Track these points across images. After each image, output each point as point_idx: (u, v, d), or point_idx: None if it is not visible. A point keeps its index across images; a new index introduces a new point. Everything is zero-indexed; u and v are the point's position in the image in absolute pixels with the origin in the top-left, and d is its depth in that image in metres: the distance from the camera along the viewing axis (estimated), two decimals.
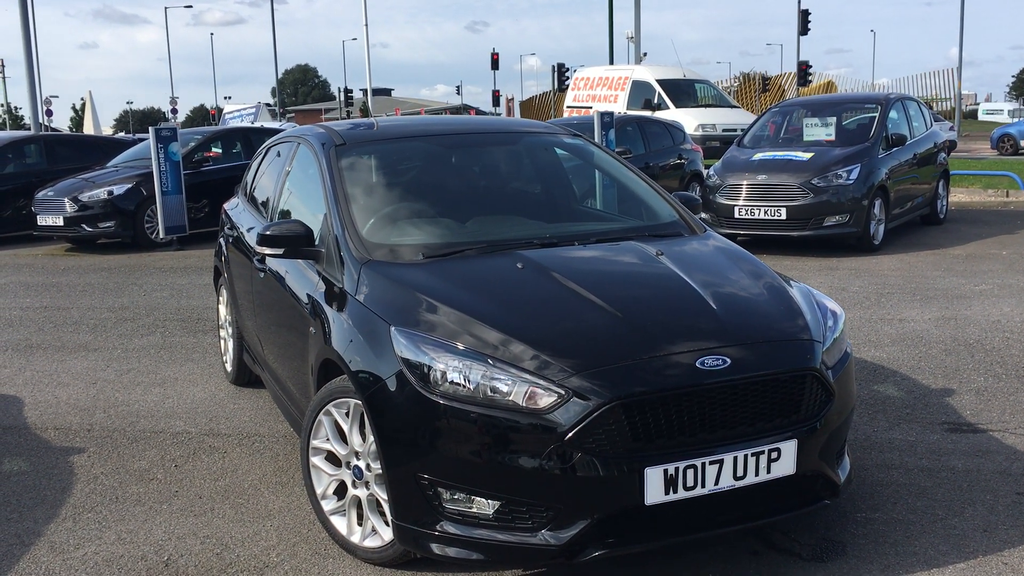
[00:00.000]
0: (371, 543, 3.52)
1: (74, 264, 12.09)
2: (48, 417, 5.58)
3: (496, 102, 62.99)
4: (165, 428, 5.30)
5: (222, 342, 6.30)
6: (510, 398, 3.08)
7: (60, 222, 12.91)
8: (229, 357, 6.05)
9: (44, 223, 13.12)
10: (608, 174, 4.91)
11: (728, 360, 3.19)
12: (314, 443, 3.72)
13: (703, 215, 11.40)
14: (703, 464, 3.10)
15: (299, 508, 4.10)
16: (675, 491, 3.08)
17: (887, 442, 4.71)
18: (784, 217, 10.51)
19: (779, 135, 12.14)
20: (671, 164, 13.16)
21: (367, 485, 3.51)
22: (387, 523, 3.40)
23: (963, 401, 5.31)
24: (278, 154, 5.32)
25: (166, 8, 72.96)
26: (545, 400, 3.06)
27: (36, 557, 3.75)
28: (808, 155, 10.88)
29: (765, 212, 10.62)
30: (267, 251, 4.09)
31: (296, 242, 4.07)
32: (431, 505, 3.20)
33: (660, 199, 4.64)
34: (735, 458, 3.14)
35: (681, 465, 3.07)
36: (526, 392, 3.07)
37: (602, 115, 11.52)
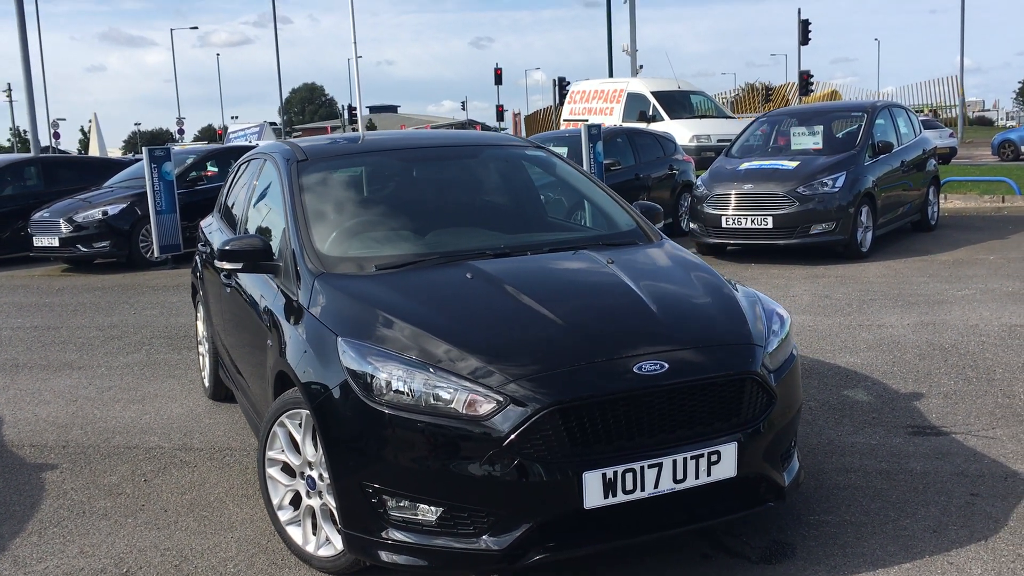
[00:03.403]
0: (325, 552, 3.57)
1: (69, 284, 12.20)
2: (26, 435, 5.64)
3: (500, 117, 63.17)
4: (139, 444, 5.36)
5: (200, 358, 6.36)
6: (451, 406, 3.13)
7: (56, 243, 13.03)
8: (206, 373, 6.12)
9: (40, 244, 13.24)
10: (571, 185, 4.98)
11: (666, 365, 3.23)
12: (270, 454, 3.77)
13: (692, 225, 11.47)
14: (642, 468, 3.14)
15: (261, 520, 4.15)
16: (614, 495, 3.12)
17: (849, 446, 4.73)
18: (770, 226, 10.55)
19: (768, 144, 12.19)
20: (662, 175, 13.20)
21: (320, 495, 3.55)
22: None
23: (930, 404, 5.34)
24: (248, 170, 5.40)
25: (172, 30, 73.64)
26: (484, 407, 3.11)
27: None
28: (794, 164, 10.92)
29: (752, 221, 10.66)
30: (227, 265, 4.16)
31: (255, 256, 4.14)
32: (377, 513, 3.25)
33: (619, 209, 4.69)
34: (674, 461, 3.18)
35: (620, 469, 3.12)
36: (466, 400, 3.12)
37: (589, 127, 11.60)
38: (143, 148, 12.98)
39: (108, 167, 16.15)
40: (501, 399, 3.10)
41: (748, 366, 3.38)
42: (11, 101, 64.82)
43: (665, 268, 4.06)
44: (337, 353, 3.37)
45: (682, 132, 18.87)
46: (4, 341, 8.59)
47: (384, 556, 3.25)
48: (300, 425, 3.60)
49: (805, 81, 43.57)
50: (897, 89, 61.70)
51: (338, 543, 3.48)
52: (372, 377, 3.23)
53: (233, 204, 5.56)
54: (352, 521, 3.30)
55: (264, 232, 4.62)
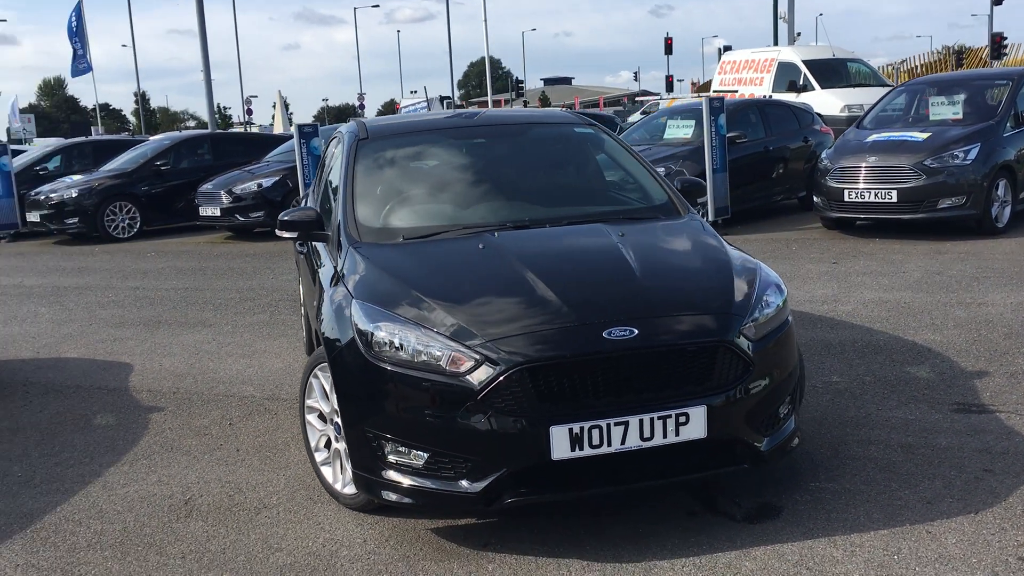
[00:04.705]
0: (349, 490, 4.01)
1: (226, 251, 13.29)
2: (147, 381, 6.41)
3: (670, 87, 62.36)
4: (236, 392, 6.01)
5: (302, 319, 6.98)
6: (438, 363, 3.49)
7: (217, 212, 14.20)
8: (304, 332, 6.71)
9: (204, 214, 14.46)
10: (616, 161, 5.20)
11: (635, 331, 3.46)
12: (308, 402, 4.24)
13: (815, 199, 11.27)
14: (608, 425, 3.39)
15: None
16: (581, 448, 3.39)
17: (884, 420, 4.77)
18: (895, 200, 10.25)
19: (905, 115, 11.77)
20: (795, 147, 12.96)
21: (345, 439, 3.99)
22: None
23: (990, 383, 5.25)
24: (331, 147, 5.91)
25: (355, 8, 76.77)
26: (465, 364, 3.44)
27: (89, 493, 4.47)
28: (924, 135, 10.54)
29: (876, 195, 10.38)
30: (284, 234, 4.66)
31: (308, 226, 4.63)
32: (377, 456, 3.65)
33: (656, 184, 4.89)
34: (641, 420, 3.41)
35: (586, 425, 3.38)
36: (449, 357, 3.47)
37: (711, 100, 11.54)
38: (294, 125, 13.90)
39: (270, 142, 17.32)
40: (478, 357, 3.42)
41: (721, 335, 3.56)
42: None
43: (672, 241, 4.25)
44: (351, 313, 3.79)
45: (832, 102, 18.30)
46: (157, 300, 9.58)
47: (383, 494, 3.66)
48: (329, 377, 4.04)
49: (997, 44, 40.91)
50: None
51: None
52: (372, 335, 3.63)
53: (318, 178, 6.09)
54: (359, 462, 3.73)
55: (326, 203, 5.10)
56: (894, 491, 3.93)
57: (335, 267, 4.34)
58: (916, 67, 48.92)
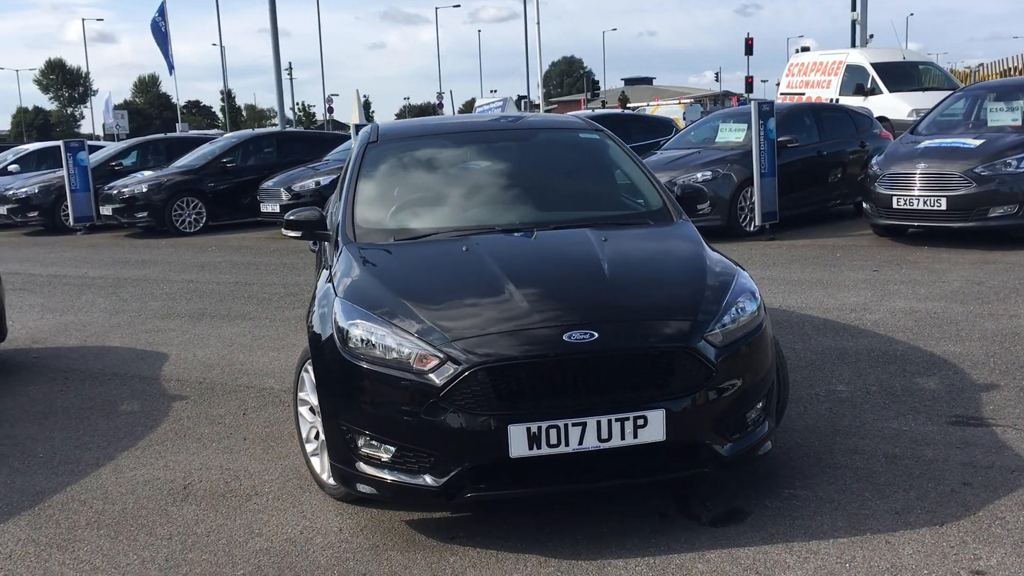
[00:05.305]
0: (333, 481, 4.17)
1: (283, 246, 13.65)
2: (178, 371, 6.69)
3: (749, 88, 61.50)
4: (256, 384, 6.24)
5: None
6: (407, 360, 3.63)
7: (277, 209, 14.59)
8: None
9: (265, 210, 14.89)
10: (617, 166, 5.27)
11: (596, 334, 3.55)
12: (300, 395, 4.42)
13: (864, 205, 11.10)
14: (566, 425, 3.49)
15: None
16: (539, 447, 3.49)
17: (877, 430, 4.75)
18: (944, 208, 10.04)
19: (964, 120, 11.50)
20: (851, 152, 12.75)
21: None
22: None
23: (995, 396, 5.17)
24: (351, 149, 6.10)
25: (436, 8, 77.56)
26: (430, 363, 3.58)
27: (100, 475, 4.73)
28: (978, 142, 10.29)
29: (924, 202, 10.19)
30: (289, 233, 4.86)
31: (311, 226, 4.82)
32: (350, 448, 3.81)
33: (653, 191, 4.95)
34: (599, 422, 3.49)
35: (544, 425, 3.48)
36: (416, 355, 3.61)
37: (760, 104, 11.45)
38: (352, 124, 14.22)
39: (334, 140, 17.71)
40: (442, 356, 3.55)
41: (682, 340, 3.62)
42: (292, 79, 70.92)
43: (653, 247, 4.31)
44: (332, 310, 3.95)
45: (900, 106, 17.91)
46: (206, 294, 9.94)
47: (357, 486, 3.81)
48: None
49: None
50: None
51: None
52: (348, 332, 3.78)
53: (340, 179, 6.29)
54: (335, 454, 3.89)
55: (337, 204, 5.28)
56: (865, 500, 3.94)
57: (330, 266, 4.52)
58: (1009, 69, 47.21)
